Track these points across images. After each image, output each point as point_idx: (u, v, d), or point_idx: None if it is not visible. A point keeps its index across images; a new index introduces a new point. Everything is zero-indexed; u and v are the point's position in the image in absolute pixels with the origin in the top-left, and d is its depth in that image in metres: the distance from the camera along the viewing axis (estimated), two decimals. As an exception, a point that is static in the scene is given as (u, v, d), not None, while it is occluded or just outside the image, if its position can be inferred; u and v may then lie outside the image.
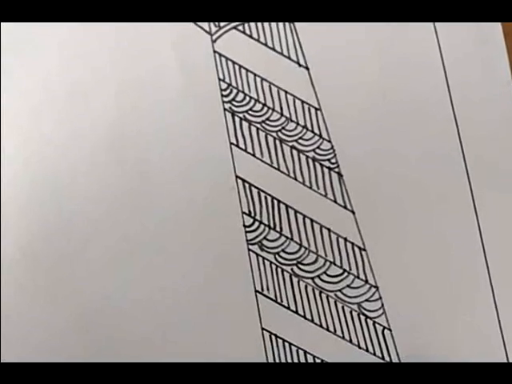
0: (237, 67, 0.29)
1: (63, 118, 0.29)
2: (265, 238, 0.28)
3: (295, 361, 0.28)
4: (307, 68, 0.29)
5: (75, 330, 0.28)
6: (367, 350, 0.28)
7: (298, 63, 0.29)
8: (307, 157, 0.29)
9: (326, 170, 0.29)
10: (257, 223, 0.28)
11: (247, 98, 0.29)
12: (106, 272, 0.28)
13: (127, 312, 0.28)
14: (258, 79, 0.29)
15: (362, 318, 0.28)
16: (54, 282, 0.28)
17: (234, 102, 0.29)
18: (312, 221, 0.28)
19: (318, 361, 0.28)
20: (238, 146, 0.29)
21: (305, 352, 0.28)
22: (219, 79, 0.29)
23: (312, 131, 0.29)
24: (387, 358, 0.28)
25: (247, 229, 0.28)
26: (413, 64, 0.29)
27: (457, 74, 0.29)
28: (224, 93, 0.29)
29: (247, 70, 0.29)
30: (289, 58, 0.29)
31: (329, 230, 0.28)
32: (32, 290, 0.28)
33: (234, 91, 0.29)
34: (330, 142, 0.29)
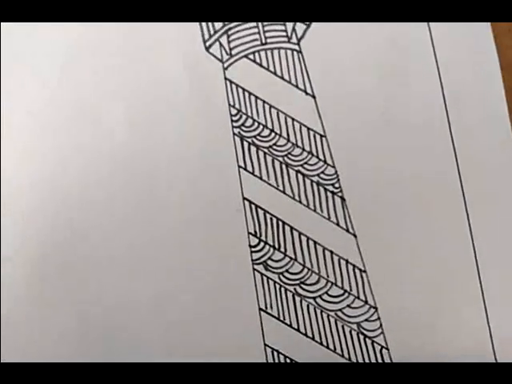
0: (246, 94, 0.30)
1: (72, 130, 0.30)
2: (269, 258, 0.29)
3: (296, 377, 0.29)
4: (314, 96, 0.30)
5: (80, 334, 0.29)
6: (365, 368, 0.29)
7: (305, 92, 0.30)
8: (312, 181, 0.30)
9: (329, 194, 0.30)
10: (262, 243, 0.29)
11: (256, 124, 0.30)
12: (112, 281, 0.29)
13: (131, 325, 0.29)
14: (267, 106, 0.30)
15: (361, 337, 0.29)
16: (60, 286, 0.29)
17: (243, 127, 0.30)
18: (315, 243, 0.29)
19: (317, 377, 0.29)
20: (245, 169, 0.30)
21: (305, 369, 0.29)
22: (229, 105, 0.30)
23: (317, 157, 0.30)
24: (384, 376, 0.29)
25: (253, 249, 0.29)
26: (414, 90, 0.30)
27: (450, 74, 0.30)
28: (234, 118, 0.30)
29: (256, 97, 0.30)
30: (296, 86, 0.30)
31: (331, 251, 0.29)
32: (38, 296, 0.29)
33: (244, 117, 0.30)
34: (333, 167, 0.30)
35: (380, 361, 0.29)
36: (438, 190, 0.30)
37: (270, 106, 0.30)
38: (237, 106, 0.30)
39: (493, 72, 0.30)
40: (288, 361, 0.29)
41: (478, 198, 0.29)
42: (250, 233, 0.29)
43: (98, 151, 0.30)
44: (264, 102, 0.30)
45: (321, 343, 0.29)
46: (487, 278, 0.29)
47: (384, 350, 0.29)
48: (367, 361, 0.29)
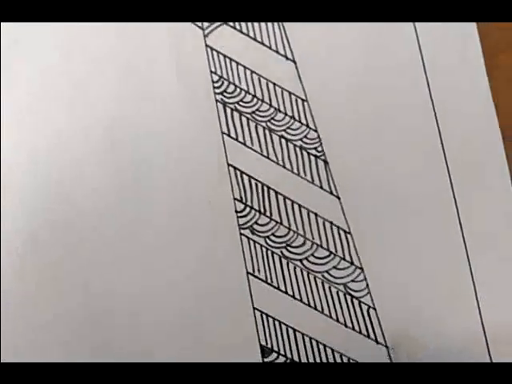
0: (228, 60, 0.30)
1: (65, 111, 0.30)
2: (256, 222, 0.30)
3: (285, 338, 0.30)
4: (294, 61, 0.30)
5: (77, 326, 0.29)
6: (353, 329, 0.30)
7: (285, 57, 0.30)
8: (295, 145, 0.30)
9: (312, 158, 0.30)
10: (248, 209, 0.30)
11: (238, 90, 0.30)
12: (103, 261, 0.29)
13: (123, 289, 0.29)
14: (248, 72, 0.30)
15: (348, 297, 0.30)
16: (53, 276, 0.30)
17: (225, 94, 0.30)
18: (300, 206, 0.30)
19: (306, 338, 0.30)
20: (229, 135, 0.30)
21: (294, 330, 0.30)
22: (211, 72, 0.30)
23: (299, 121, 0.30)
24: (372, 336, 0.30)
25: (239, 214, 0.30)
26: (393, 57, 0.30)
27: (435, 69, 0.30)
28: (216, 85, 0.30)
29: (237, 63, 0.30)
30: (277, 52, 0.30)
31: (316, 214, 0.30)
32: (34, 287, 0.30)
33: (226, 83, 0.30)
34: (316, 131, 0.30)
35: (367, 320, 0.30)
36: (422, 149, 0.30)
37: (252, 72, 0.30)
38: (218, 72, 0.30)
39: (479, 71, 0.30)
40: (276, 323, 0.30)
41: (463, 175, 0.30)
42: (235, 199, 0.30)
43: (87, 126, 0.30)
44: (245, 67, 0.30)
45: (309, 305, 0.30)
46: (473, 243, 0.30)
47: (371, 310, 0.30)
48: (355, 321, 0.30)
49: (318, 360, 0.29)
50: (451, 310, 0.29)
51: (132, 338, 0.29)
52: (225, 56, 0.30)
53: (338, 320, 0.30)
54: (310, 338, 0.30)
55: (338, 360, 0.29)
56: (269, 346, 0.29)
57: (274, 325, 0.30)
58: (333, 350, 0.29)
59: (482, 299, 0.29)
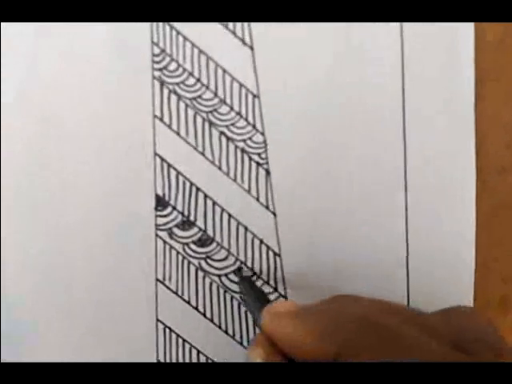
0: (174, 33, 0.25)
1: None
2: (176, 225, 0.26)
3: (186, 359, 0.26)
4: (252, 48, 0.26)
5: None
6: (265, 359, 0.26)
7: (242, 41, 0.25)
8: (236, 146, 0.26)
9: (253, 165, 0.26)
10: (170, 208, 0.26)
11: (180, 70, 0.25)
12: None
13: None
14: (196, 50, 0.25)
15: (265, 325, 0.26)
16: None
17: (165, 71, 0.25)
18: (230, 216, 0.26)
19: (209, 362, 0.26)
20: (162, 120, 0.26)
21: (198, 351, 0.26)
22: (152, 42, 0.25)
23: (246, 119, 0.26)
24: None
25: (158, 213, 0.26)
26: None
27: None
28: (156, 59, 0.25)
29: (185, 38, 0.25)
30: (233, 33, 0.25)
31: (246, 228, 0.26)
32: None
33: (167, 59, 0.25)
34: (263, 134, 0.26)
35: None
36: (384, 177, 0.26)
37: (200, 51, 0.25)
38: (161, 44, 0.25)
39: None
40: (180, 341, 0.26)
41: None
42: (157, 194, 0.26)
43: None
44: (193, 44, 0.25)
45: (219, 326, 0.26)
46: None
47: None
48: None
49: (219, 387, 0.26)
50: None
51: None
52: (171, 27, 0.25)
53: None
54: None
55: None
56: (167, 363, 0.26)
57: (177, 342, 0.26)
58: (237, 379, 0.26)
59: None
